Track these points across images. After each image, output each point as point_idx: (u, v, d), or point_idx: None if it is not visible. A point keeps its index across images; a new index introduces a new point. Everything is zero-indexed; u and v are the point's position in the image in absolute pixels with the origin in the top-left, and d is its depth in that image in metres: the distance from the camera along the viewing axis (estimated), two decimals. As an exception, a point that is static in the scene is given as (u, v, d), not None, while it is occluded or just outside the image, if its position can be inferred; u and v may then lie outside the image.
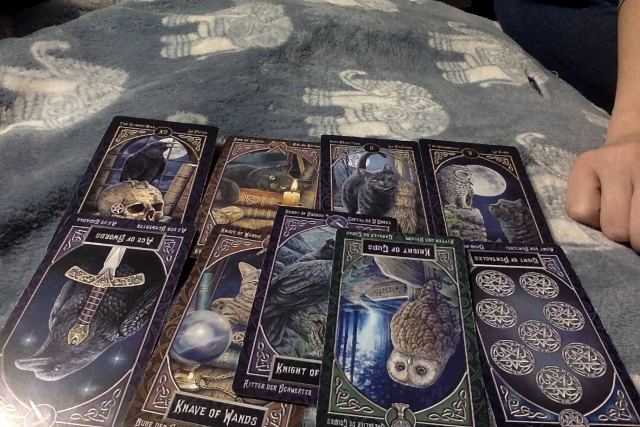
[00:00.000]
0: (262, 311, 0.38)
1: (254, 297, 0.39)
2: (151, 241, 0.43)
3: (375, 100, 0.63)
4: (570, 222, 0.49)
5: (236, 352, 0.36)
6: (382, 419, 0.33)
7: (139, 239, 0.43)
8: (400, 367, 0.35)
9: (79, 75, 0.62)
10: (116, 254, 0.42)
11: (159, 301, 0.39)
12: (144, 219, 0.45)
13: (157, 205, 0.47)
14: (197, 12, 0.74)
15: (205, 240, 0.44)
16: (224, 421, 0.33)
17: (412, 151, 0.54)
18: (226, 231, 0.44)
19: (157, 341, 0.36)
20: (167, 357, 0.36)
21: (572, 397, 0.34)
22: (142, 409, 0.33)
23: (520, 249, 0.44)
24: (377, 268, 0.41)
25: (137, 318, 0.38)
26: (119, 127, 0.53)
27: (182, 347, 0.36)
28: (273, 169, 0.52)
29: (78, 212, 0.45)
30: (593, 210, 0.48)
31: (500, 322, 0.39)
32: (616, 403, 0.34)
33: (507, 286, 0.41)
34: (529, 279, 0.42)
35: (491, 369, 0.36)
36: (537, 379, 0.35)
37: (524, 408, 0.34)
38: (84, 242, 0.42)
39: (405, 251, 0.42)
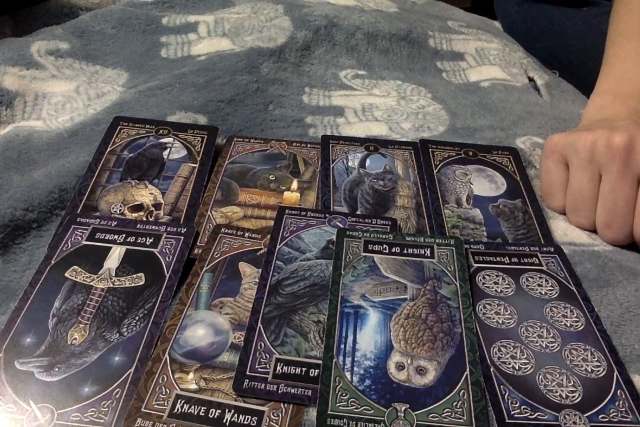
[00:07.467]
0: (262, 311, 0.38)
1: (254, 297, 0.39)
2: (151, 240, 0.43)
3: (375, 100, 0.63)
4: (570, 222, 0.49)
5: (236, 352, 0.36)
6: (382, 419, 0.33)
7: (139, 239, 0.43)
8: (400, 367, 0.35)
9: (79, 75, 0.62)
10: (116, 254, 0.42)
11: (159, 301, 0.39)
12: (144, 219, 0.45)
13: (157, 205, 0.47)
14: (197, 12, 0.74)
15: (205, 240, 0.44)
16: (224, 421, 0.33)
17: (412, 151, 0.54)
18: (226, 230, 0.44)
19: (157, 341, 0.36)
20: (167, 357, 0.36)
21: (573, 397, 0.34)
22: (142, 409, 0.33)
23: (520, 248, 0.44)
24: (377, 268, 0.41)
25: (137, 318, 0.38)
26: (119, 127, 0.53)
27: (182, 347, 0.36)
28: (273, 169, 0.52)
29: (78, 212, 0.45)
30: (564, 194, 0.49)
31: (500, 322, 0.39)
32: (616, 403, 0.34)
33: (508, 286, 0.41)
34: (530, 279, 0.42)
35: (491, 369, 0.36)
36: (538, 379, 0.35)
37: (524, 408, 0.34)
38: (84, 242, 0.42)
39: (405, 251, 0.42)
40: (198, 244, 0.44)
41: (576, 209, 0.48)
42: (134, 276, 0.40)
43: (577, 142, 0.47)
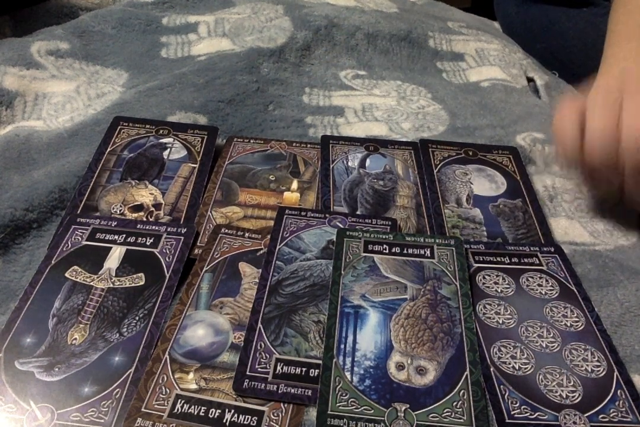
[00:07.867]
0: (262, 311, 0.38)
1: (254, 297, 0.39)
2: (151, 241, 0.43)
3: (375, 100, 0.63)
4: (571, 220, 0.49)
5: (236, 352, 0.36)
6: (382, 419, 0.33)
7: (139, 239, 0.43)
8: (400, 367, 0.35)
9: (79, 75, 0.62)
10: (116, 254, 0.42)
11: (159, 301, 0.39)
12: (144, 219, 0.45)
13: (157, 206, 0.47)
14: (197, 12, 0.74)
15: (205, 240, 0.44)
16: (224, 421, 0.33)
17: (412, 151, 0.54)
18: (226, 230, 0.44)
19: (157, 341, 0.36)
20: (167, 357, 0.36)
21: (573, 397, 0.34)
22: (142, 409, 0.33)
23: (520, 248, 0.44)
24: (377, 268, 0.41)
25: (137, 318, 0.38)
26: (119, 127, 0.53)
27: (182, 347, 0.36)
28: (273, 169, 0.52)
29: (78, 212, 0.45)
30: (580, 141, 0.45)
31: (500, 322, 0.39)
32: (617, 403, 0.34)
33: (508, 286, 0.41)
34: (530, 279, 0.42)
35: (491, 369, 0.36)
36: (538, 379, 0.35)
37: (524, 408, 0.34)
38: (84, 242, 0.42)
39: (405, 251, 0.42)
40: (198, 244, 0.44)
41: (594, 148, 0.43)
42: (134, 276, 0.40)
43: (589, 93, 0.47)
